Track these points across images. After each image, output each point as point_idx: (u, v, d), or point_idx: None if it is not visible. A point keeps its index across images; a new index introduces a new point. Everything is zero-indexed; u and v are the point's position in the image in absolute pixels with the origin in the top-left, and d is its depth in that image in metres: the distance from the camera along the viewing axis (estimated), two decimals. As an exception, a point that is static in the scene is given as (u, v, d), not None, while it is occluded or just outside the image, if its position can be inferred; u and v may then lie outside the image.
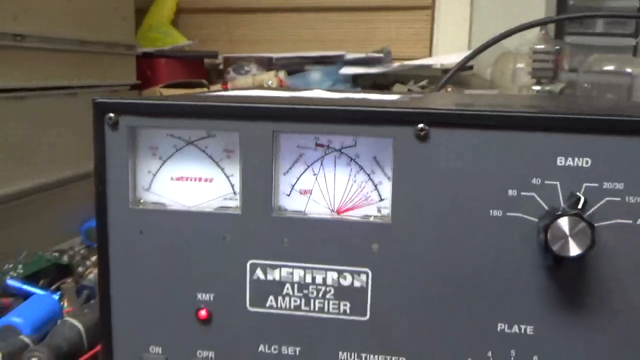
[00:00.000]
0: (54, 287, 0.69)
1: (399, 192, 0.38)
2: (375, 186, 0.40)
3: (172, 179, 0.41)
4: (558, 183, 0.37)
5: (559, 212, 0.35)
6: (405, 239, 0.39)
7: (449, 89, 1.15)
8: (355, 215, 0.40)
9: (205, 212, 0.41)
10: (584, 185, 0.36)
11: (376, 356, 0.40)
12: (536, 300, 0.38)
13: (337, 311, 0.40)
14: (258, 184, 0.40)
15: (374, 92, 0.74)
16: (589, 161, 0.36)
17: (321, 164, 0.40)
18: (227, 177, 0.41)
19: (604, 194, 0.36)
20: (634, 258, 0.37)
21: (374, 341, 0.40)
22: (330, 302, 0.40)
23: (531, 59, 1.09)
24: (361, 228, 0.39)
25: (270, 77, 1.22)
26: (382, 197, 0.40)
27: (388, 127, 0.38)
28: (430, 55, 1.50)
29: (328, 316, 0.40)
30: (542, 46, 1.08)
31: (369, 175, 0.40)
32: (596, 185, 0.36)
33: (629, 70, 1.12)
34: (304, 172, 0.40)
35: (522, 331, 0.38)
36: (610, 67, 1.13)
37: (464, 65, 1.10)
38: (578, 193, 0.36)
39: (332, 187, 0.40)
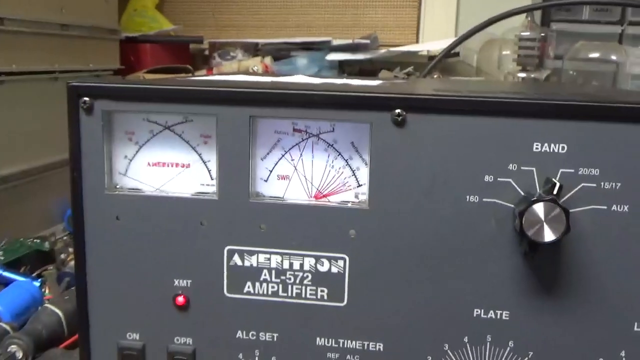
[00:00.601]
0: (35, 274, 0.69)
1: (377, 177, 0.38)
2: (353, 172, 0.40)
3: (148, 164, 0.41)
4: (534, 169, 0.37)
5: (535, 198, 0.35)
6: (382, 224, 0.39)
7: (436, 76, 1.15)
8: (333, 201, 0.40)
9: (182, 198, 0.40)
10: (560, 171, 0.36)
11: (354, 342, 0.40)
12: (512, 285, 0.38)
13: (314, 297, 0.40)
14: (235, 170, 0.39)
15: (357, 78, 0.74)
16: (565, 147, 0.36)
17: (299, 150, 0.40)
18: (204, 162, 0.40)
19: (579, 180, 0.36)
20: (608, 244, 0.37)
21: (352, 327, 0.40)
22: (308, 288, 0.40)
23: (517, 46, 1.08)
24: (339, 214, 0.39)
25: (255, 63, 1.22)
26: (360, 183, 0.39)
27: (365, 113, 0.38)
28: (417, 41, 1.50)
29: (305, 302, 0.40)
30: (528, 33, 1.08)
31: (346, 160, 0.39)
32: (572, 171, 0.36)
33: (614, 57, 1.12)
34: (281, 157, 0.40)
35: (498, 316, 0.39)
36: (595, 55, 1.13)
37: (449, 52, 1.09)
38: (554, 179, 0.36)
39: (309, 172, 0.40)
